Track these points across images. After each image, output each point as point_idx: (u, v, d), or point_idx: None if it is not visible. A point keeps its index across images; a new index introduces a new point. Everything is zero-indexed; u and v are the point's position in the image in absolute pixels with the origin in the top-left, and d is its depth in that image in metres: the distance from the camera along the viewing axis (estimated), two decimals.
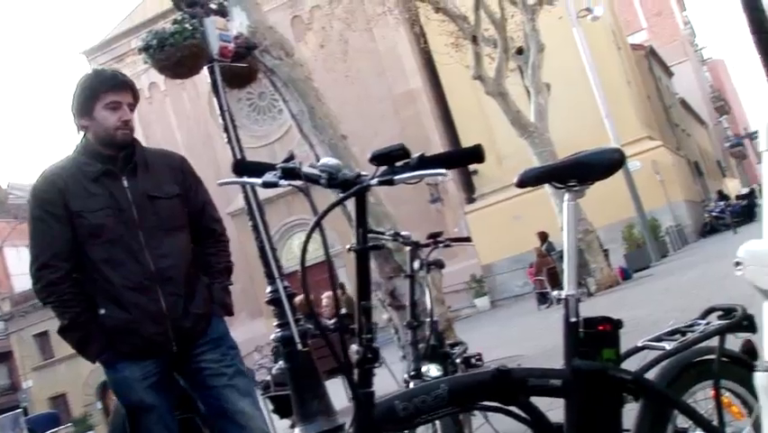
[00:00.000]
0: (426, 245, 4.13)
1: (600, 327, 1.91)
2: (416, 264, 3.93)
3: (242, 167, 1.93)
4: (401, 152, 1.63)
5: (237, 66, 7.32)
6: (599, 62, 24.06)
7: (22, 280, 38.49)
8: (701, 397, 2.08)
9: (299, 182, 1.78)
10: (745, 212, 31.74)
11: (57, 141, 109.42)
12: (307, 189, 1.87)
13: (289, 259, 26.38)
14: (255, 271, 12.82)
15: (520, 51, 19.08)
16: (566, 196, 1.92)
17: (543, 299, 19.39)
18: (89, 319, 3.10)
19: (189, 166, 3.41)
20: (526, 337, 11.97)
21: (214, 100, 7.24)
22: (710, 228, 32.04)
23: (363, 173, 1.71)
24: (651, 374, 1.98)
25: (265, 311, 21.93)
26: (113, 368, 3.16)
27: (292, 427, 7.36)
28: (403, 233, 3.90)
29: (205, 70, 7.19)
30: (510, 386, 1.79)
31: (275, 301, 6.66)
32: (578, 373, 1.85)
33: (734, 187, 54.12)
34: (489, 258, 29.35)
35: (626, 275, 19.37)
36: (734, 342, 2.07)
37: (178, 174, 3.31)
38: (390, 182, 1.65)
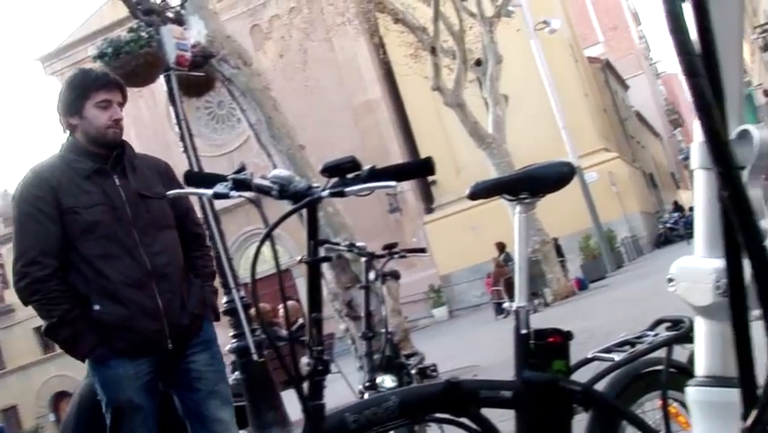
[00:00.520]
0: (382, 256, 4.13)
1: (551, 339, 1.92)
2: (372, 275, 3.94)
3: (194, 178, 1.92)
4: (351, 164, 1.64)
5: (194, 75, 7.30)
6: (557, 74, 24.36)
7: None
8: (649, 407, 2.11)
9: (250, 193, 1.77)
10: None
11: (9, 146, 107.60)
12: (259, 201, 1.86)
13: (246, 268, 25.84)
14: None
15: (479, 63, 19.25)
16: (517, 208, 1.94)
17: (500, 309, 19.51)
18: (78, 316, 3.05)
19: (173, 172, 3.41)
20: (483, 348, 12.03)
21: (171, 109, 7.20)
22: (665, 239, 32.60)
23: (315, 185, 1.70)
24: (600, 385, 2.00)
25: (222, 321, 21.66)
26: (105, 365, 3.09)
27: None
28: (358, 243, 3.91)
29: (161, 79, 7.14)
30: (461, 398, 1.79)
31: (231, 312, 6.63)
32: (528, 384, 1.86)
33: (687, 198, 55.00)
34: (447, 268, 29.51)
35: (582, 285, 19.62)
36: (681, 353, 2.10)
37: (164, 178, 3.32)
38: (341, 194, 1.65)
